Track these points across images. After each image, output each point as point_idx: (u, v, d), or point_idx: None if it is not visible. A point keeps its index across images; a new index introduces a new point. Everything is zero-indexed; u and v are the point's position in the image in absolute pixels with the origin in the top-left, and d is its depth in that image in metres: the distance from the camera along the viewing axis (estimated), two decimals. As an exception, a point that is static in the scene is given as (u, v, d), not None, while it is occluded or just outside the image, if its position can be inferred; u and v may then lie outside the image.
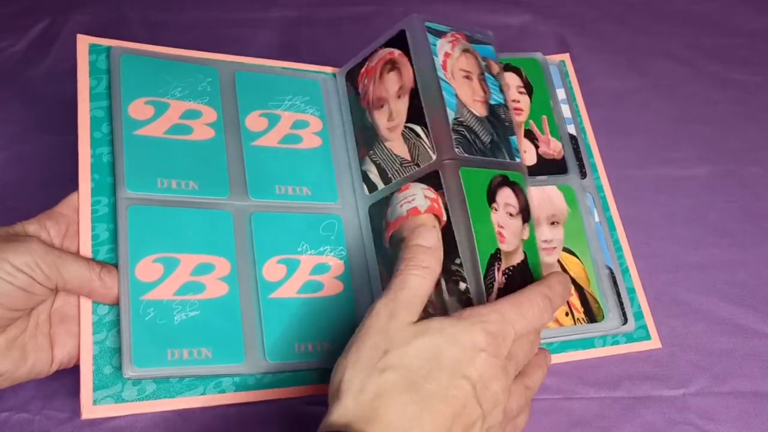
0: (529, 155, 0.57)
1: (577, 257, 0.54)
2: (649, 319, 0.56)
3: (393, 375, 0.39)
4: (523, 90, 0.59)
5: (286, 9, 0.73)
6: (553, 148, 0.57)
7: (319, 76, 0.59)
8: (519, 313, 0.43)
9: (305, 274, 0.52)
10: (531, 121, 0.58)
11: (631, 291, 0.57)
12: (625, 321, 0.54)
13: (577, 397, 0.54)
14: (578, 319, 0.53)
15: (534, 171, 0.56)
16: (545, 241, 0.53)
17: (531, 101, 0.58)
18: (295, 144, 0.56)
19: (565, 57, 0.65)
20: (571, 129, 0.60)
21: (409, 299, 0.43)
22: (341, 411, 0.39)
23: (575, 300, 0.52)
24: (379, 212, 0.52)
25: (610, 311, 0.54)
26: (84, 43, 0.52)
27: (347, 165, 0.57)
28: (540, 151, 0.57)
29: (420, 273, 0.44)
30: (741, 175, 0.65)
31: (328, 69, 0.60)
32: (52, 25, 0.70)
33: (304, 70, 0.59)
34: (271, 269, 0.51)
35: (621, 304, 0.55)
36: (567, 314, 0.53)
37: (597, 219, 0.57)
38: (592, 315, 0.53)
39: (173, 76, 0.54)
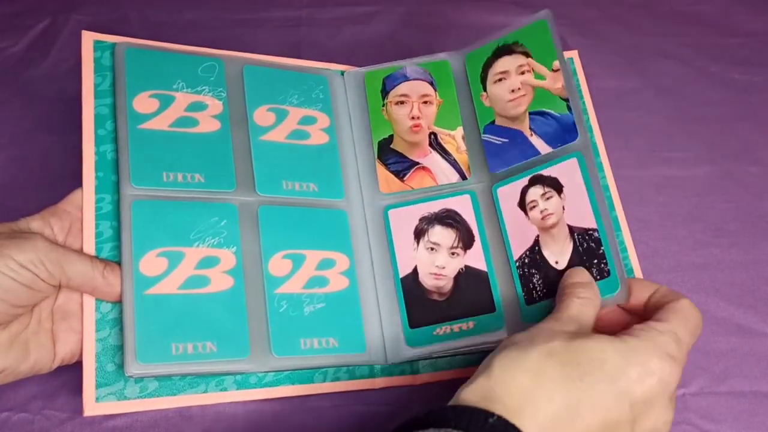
0: None
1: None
2: (652, 322, 0.56)
3: (552, 359, 0.37)
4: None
5: (286, 9, 0.73)
6: None
7: (327, 73, 0.59)
8: (690, 337, 0.41)
9: (311, 269, 0.52)
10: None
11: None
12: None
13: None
14: None
15: None
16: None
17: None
18: (303, 140, 0.56)
19: (573, 54, 0.64)
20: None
21: (573, 318, 0.43)
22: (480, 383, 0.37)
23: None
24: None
25: None
26: (89, 39, 0.52)
27: (354, 162, 0.57)
28: None
29: (581, 301, 0.44)
30: (741, 175, 0.66)
31: (336, 66, 0.60)
32: (52, 25, 0.70)
33: (313, 66, 0.59)
34: (277, 264, 0.51)
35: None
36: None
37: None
38: None
39: (178, 68, 0.54)
